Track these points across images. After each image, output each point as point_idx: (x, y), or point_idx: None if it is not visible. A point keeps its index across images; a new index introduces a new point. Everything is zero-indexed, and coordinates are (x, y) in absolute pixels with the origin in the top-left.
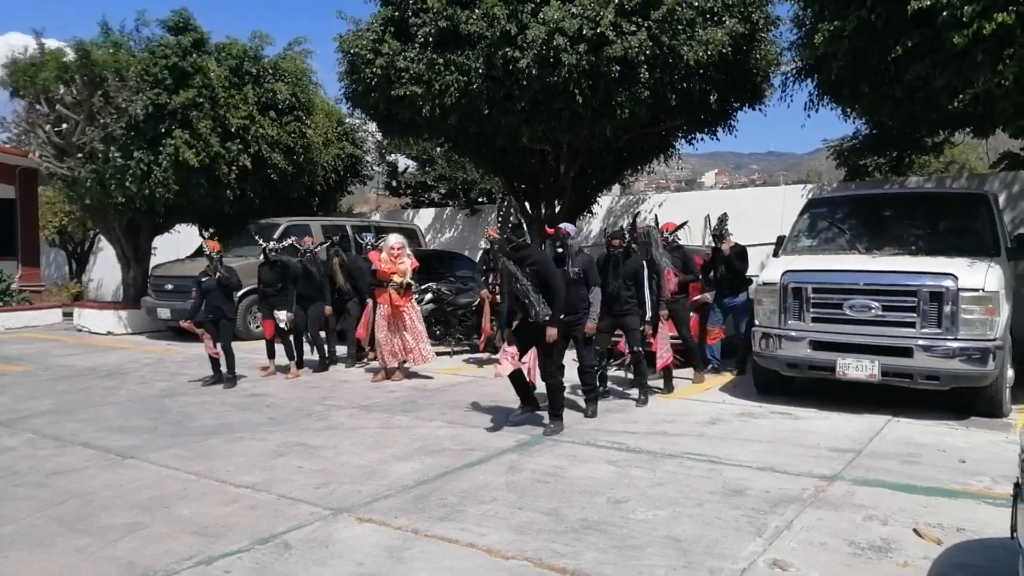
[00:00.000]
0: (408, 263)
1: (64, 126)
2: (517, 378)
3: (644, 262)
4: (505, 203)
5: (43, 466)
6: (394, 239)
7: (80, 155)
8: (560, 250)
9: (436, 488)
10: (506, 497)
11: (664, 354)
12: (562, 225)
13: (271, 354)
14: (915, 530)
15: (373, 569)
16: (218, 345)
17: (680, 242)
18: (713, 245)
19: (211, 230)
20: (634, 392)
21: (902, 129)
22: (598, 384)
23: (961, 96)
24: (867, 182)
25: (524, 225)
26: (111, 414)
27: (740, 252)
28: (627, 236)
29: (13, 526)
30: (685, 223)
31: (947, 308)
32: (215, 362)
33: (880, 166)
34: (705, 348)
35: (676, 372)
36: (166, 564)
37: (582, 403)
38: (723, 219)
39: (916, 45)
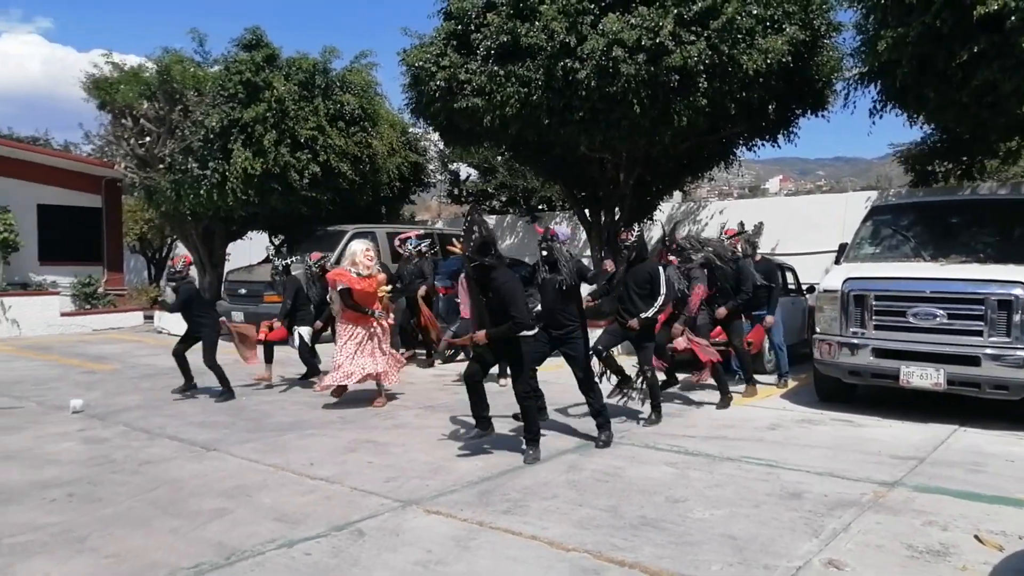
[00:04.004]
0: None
1: (147, 139)
2: (476, 391)
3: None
4: (471, 216)
5: (136, 456)
6: (358, 245)
7: (161, 166)
8: (545, 254)
9: (500, 484)
10: (567, 494)
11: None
12: (552, 226)
13: (268, 359)
14: (976, 536)
15: (441, 556)
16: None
17: (738, 253)
18: (743, 253)
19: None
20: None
21: (973, 134)
22: (603, 403)
23: None
24: (936, 189)
25: (493, 243)
26: (193, 410)
27: (764, 269)
28: (635, 233)
29: (114, 508)
30: (743, 231)
31: (1017, 317)
32: (185, 369)
33: (950, 172)
34: (732, 361)
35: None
36: (252, 545)
37: (642, 409)
38: (758, 229)
39: (983, 50)
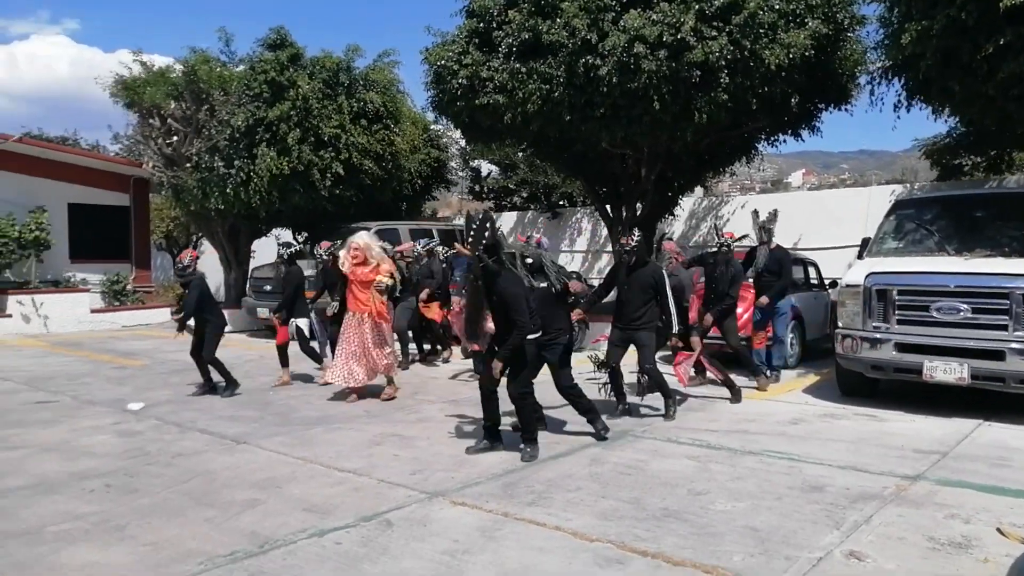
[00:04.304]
0: (379, 264)
1: (174, 138)
2: (490, 400)
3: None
4: (481, 217)
5: (169, 448)
6: (358, 238)
7: (188, 165)
8: (530, 261)
9: (524, 477)
10: (590, 486)
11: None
12: (536, 235)
13: (284, 362)
14: (998, 529)
15: (468, 545)
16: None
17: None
18: (756, 243)
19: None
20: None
21: (1000, 127)
22: (590, 401)
23: None
24: (961, 182)
25: (500, 245)
26: (222, 405)
27: (777, 256)
28: (636, 237)
29: (150, 498)
30: (745, 235)
31: None
32: (204, 369)
33: (977, 165)
34: (753, 354)
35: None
36: (284, 535)
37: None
38: (773, 215)
39: (1009, 43)
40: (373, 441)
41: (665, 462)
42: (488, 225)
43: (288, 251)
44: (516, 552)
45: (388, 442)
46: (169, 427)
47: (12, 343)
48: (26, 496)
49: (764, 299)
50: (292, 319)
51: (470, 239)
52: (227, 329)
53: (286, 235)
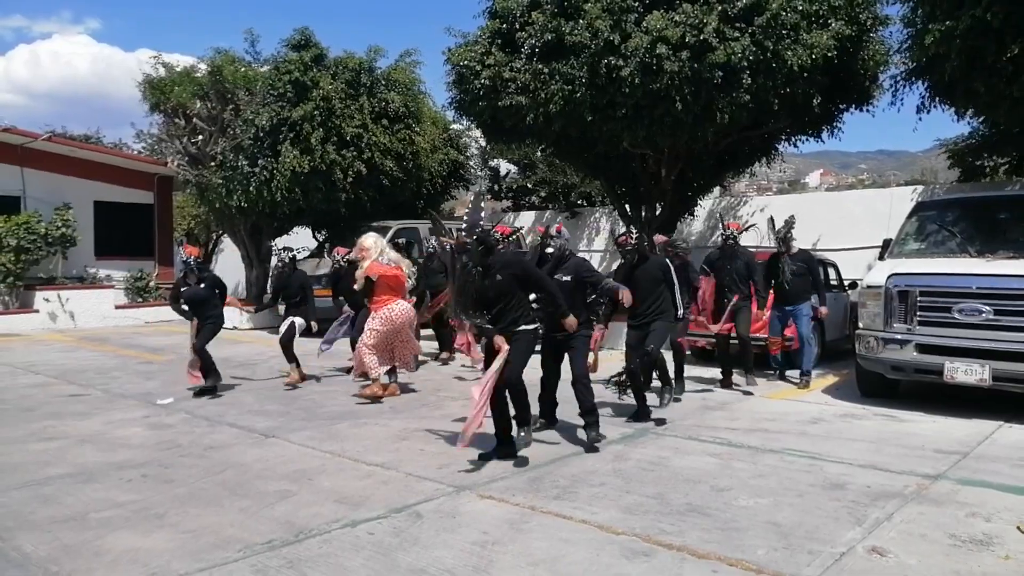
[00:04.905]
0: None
1: (199, 137)
2: (501, 413)
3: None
4: (476, 200)
5: (201, 441)
6: (363, 239)
7: (212, 164)
8: (550, 251)
9: (549, 472)
10: (614, 482)
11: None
12: (554, 224)
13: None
14: (1019, 527)
15: (497, 537)
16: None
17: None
18: (776, 249)
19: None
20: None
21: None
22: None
23: None
24: (984, 184)
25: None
26: (249, 399)
27: (802, 258)
28: (636, 235)
29: (186, 488)
30: (752, 225)
31: None
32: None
33: (999, 166)
34: (770, 358)
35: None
36: (318, 525)
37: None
38: (790, 223)
39: None
40: (399, 436)
41: (687, 459)
42: (480, 205)
43: (289, 255)
44: (544, 543)
45: (413, 437)
46: (199, 421)
47: (41, 337)
48: (68, 484)
49: (824, 310)
50: (291, 317)
51: (464, 224)
52: (251, 326)
53: (305, 234)
